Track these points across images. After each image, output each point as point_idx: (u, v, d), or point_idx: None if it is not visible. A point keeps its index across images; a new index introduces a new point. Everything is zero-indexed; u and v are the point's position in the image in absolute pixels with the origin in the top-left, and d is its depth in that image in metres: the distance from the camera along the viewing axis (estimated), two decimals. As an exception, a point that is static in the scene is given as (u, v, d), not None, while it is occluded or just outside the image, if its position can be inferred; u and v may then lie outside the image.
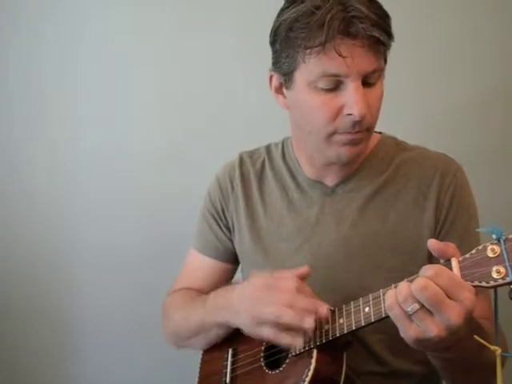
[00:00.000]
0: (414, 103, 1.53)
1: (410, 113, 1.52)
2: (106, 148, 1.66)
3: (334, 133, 0.93)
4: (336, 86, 0.90)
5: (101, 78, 1.64)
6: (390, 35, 0.90)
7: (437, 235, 0.99)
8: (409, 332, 0.70)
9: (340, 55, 0.86)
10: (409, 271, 0.75)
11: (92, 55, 1.63)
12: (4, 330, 1.73)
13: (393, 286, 0.75)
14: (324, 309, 0.86)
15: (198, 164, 1.61)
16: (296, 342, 0.86)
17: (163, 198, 1.66)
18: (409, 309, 0.68)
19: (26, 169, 1.68)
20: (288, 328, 0.86)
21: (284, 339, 0.87)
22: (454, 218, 1.00)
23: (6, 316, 1.72)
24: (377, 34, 0.86)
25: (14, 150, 1.68)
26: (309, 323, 0.84)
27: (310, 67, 0.89)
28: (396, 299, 0.70)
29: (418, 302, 0.68)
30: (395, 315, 0.70)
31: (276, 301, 0.86)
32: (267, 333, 0.88)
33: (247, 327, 0.92)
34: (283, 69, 0.94)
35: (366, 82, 0.90)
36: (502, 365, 0.83)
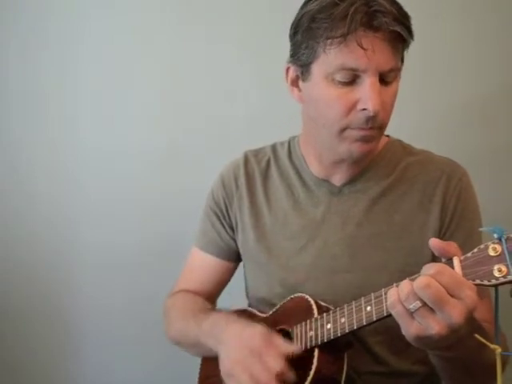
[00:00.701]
0: (416, 104, 1.52)
1: (413, 113, 1.52)
2: (106, 148, 1.66)
3: (346, 127, 0.93)
4: (353, 80, 0.90)
5: (101, 78, 1.63)
6: (410, 32, 0.91)
7: (441, 238, 0.98)
8: (410, 329, 0.70)
9: (361, 47, 0.87)
10: (413, 272, 0.75)
11: (92, 55, 1.62)
12: (4, 330, 1.72)
13: (394, 284, 0.76)
14: None
15: (197, 164, 1.61)
16: None
17: (163, 198, 1.65)
18: (411, 306, 0.69)
19: (25, 169, 1.68)
20: None
21: None
22: (458, 221, 1.01)
23: (5, 316, 1.71)
24: (398, 28, 0.87)
25: (14, 150, 1.67)
26: None
27: (330, 58, 0.90)
28: (398, 297, 0.70)
29: (419, 300, 0.68)
30: (397, 313, 0.71)
31: (255, 374, 0.86)
32: None
33: (222, 372, 0.92)
34: (301, 60, 0.95)
35: (383, 79, 0.91)
36: (504, 366, 0.84)
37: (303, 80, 0.97)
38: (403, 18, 0.89)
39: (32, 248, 1.69)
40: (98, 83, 1.64)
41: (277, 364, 0.86)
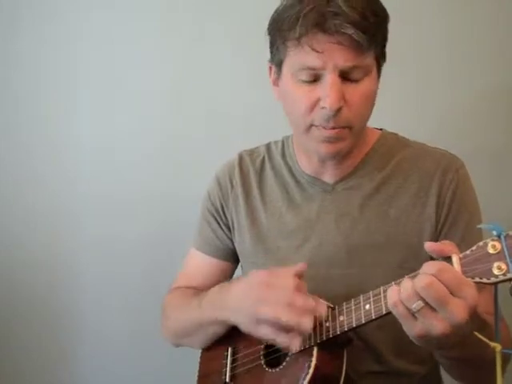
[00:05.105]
0: (416, 103, 1.53)
1: (413, 113, 1.52)
2: (106, 146, 1.66)
3: (311, 125, 0.93)
4: (315, 78, 0.90)
5: (101, 77, 1.64)
6: (370, 35, 0.86)
7: (438, 232, 0.99)
8: (414, 329, 0.70)
9: (314, 50, 0.86)
10: (410, 268, 0.75)
11: (91, 55, 1.63)
12: (4, 330, 1.72)
13: (393, 283, 0.76)
14: (323, 308, 0.85)
15: (197, 161, 1.61)
16: (293, 343, 0.85)
17: (163, 198, 1.66)
18: (413, 306, 0.69)
19: (25, 169, 1.68)
20: (286, 328, 0.84)
21: (282, 339, 0.85)
22: (455, 214, 0.99)
23: (5, 316, 1.71)
24: (350, 31, 0.84)
25: (13, 150, 1.68)
26: (307, 324, 0.83)
27: (292, 59, 0.90)
28: (399, 297, 0.70)
29: (421, 300, 0.68)
30: (399, 313, 0.71)
31: (275, 300, 0.85)
32: (265, 332, 0.87)
33: (246, 325, 0.91)
34: (275, 60, 0.96)
35: (347, 77, 0.89)
36: (508, 361, 0.84)
37: (279, 79, 0.98)
38: (361, 21, 0.84)
39: (32, 248, 1.70)
40: (97, 83, 1.64)
41: (290, 281, 0.86)
